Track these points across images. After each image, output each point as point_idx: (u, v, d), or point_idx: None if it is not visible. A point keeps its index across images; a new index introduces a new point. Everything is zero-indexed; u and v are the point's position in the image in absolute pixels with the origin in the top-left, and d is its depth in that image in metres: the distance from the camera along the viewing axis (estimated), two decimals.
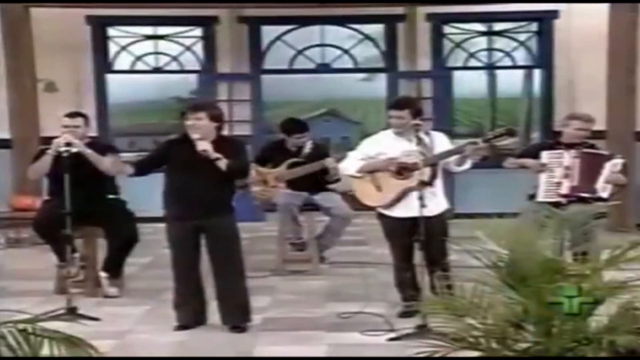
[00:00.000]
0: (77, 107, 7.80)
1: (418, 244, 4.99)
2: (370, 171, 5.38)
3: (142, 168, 5.31)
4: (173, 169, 5.14)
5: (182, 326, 5.14)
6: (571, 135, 6.07)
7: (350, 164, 5.51)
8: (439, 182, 5.34)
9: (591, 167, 5.94)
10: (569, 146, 6.03)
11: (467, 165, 5.32)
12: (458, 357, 2.97)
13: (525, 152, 6.48)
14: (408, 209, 5.16)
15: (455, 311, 3.07)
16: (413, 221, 5.02)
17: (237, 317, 5.14)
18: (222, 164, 4.98)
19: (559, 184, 5.95)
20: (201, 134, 5.00)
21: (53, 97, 9.53)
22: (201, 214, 5.01)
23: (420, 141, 5.10)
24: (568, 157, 5.96)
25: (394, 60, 10.17)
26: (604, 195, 5.87)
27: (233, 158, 5.05)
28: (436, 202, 5.25)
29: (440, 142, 5.33)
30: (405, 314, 5.18)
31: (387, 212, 5.34)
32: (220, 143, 5.08)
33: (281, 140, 7.24)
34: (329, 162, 6.81)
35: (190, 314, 5.19)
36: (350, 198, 7.32)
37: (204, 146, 4.96)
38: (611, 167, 5.91)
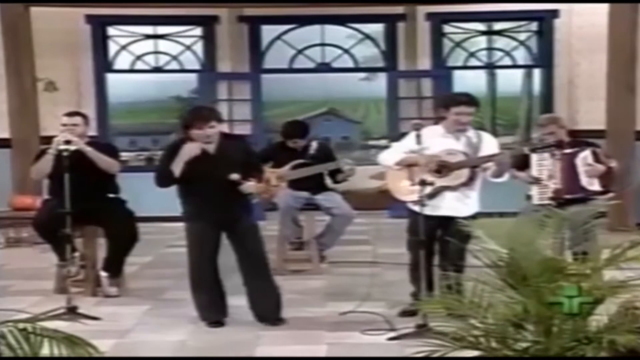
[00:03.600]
0: (77, 107, 7.81)
1: (437, 243, 4.98)
2: (409, 165, 5.26)
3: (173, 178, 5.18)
4: (195, 176, 5.07)
5: (217, 322, 5.18)
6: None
7: (390, 156, 5.39)
8: (477, 185, 5.29)
9: (567, 166, 5.92)
10: (557, 146, 6.00)
11: (505, 177, 5.29)
12: (458, 357, 2.97)
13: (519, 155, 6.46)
14: (438, 208, 5.12)
15: (456, 311, 3.08)
16: (440, 221, 4.99)
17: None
18: (250, 187, 5.20)
19: (547, 186, 5.94)
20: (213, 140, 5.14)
21: (53, 97, 9.52)
22: (232, 216, 5.18)
23: (468, 140, 5.10)
24: (550, 160, 5.95)
25: (394, 60, 10.17)
26: (595, 188, 5.82)
27: (248, 160, 5.29)
28: (467, 204, 5.21)
29: (489, 145, 5.28)
30: (405, 313, 5.17)
31: (417, 209, 5.12)
32: (227, 142, 5.23)
33: (284, 141, 7.23)
34: (346, 163, 6.80)
35: (221, 309, 5.26)
36: (350, 198, 7.35)
37: (235, 177, 5.14)
38: (581, 161, 5.86)
